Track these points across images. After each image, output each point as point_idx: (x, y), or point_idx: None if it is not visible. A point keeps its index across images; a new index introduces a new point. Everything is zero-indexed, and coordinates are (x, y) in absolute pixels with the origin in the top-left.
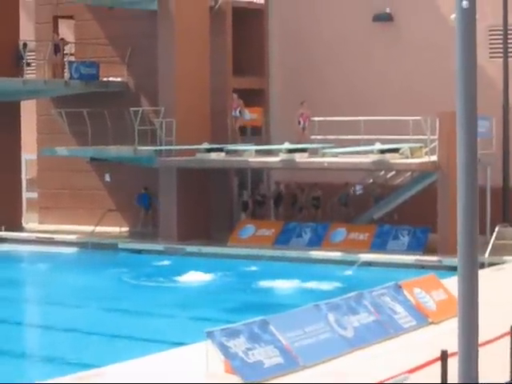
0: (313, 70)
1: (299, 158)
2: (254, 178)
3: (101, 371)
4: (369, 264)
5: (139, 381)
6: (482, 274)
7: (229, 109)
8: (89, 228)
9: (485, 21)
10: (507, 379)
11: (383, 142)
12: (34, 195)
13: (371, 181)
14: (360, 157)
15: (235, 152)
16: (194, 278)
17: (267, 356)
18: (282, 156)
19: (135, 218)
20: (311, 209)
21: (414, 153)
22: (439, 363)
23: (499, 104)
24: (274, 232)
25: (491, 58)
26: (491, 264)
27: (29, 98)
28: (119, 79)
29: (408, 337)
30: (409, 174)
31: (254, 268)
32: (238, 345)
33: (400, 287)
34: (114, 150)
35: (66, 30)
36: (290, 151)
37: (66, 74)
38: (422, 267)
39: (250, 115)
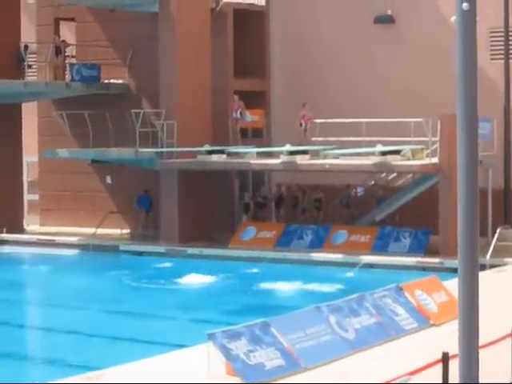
0: (314, 72)
1: (300, 160)
2: (256, 180)
3: (102, 373)
4: (370, 266)
5: (140, 382)
6: (484, 275)
7: (230, 111)
8: (90, 230)
9: (486, 23)
10: (508, 381)
11: (384, 143)
12: (36, 197)
13: (373, 183)
14: (361, 159)
15: (236, 154)
16: (195, 280)
17: (268, 358)
18: (284, 158)
19: (136, 219)
20: (313, 211)
21: (416, 155)
22: (441, 365)
23: (500, 106)
24: (276, 234)
25: (492, 59)
26: (493, 266)
27: (30, 100)
28: (120, 81)
29: (409, 339)
30: (410, 175)
31: (255, 270)
32: (240, 347)
33: (401, 289)
34: (115, 152)
35: (68, 32)
36: (292, 153)
37: (67, 76)
38: (424, 269)
39: (252, 117)
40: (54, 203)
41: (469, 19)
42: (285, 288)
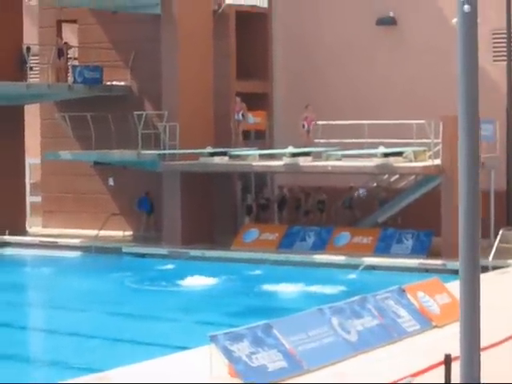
0: (316, 74)
1: (303, 161)
2: (258, 181)
3: (104, 375)
4: (372, 268)
5: None
6: (486, 277)
7: (232, 112)
8: (92, 232)
9: (488, 24)
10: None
11: (387, 145)
12: (38, 199)
13: (375, 184)
14: (364, 160)
15: (239, 156)
16: (197, 281)
17: (271, 360)
18: (286, 160)
19: (139, 222)
20: (316, 212)
21: (418, 156)
22: (443, 367)
23: (503, 107)
24: (278, 236)
25: (495, 61)
26: (495, 267)
27: (32, 102)
28: (123, 83)
29: (412, 340)
30: (412, 177)
31: (257, 272)
32: (242, 349)
33: (404, 291)
34: (117, 154)
35: (70, 34)
36: (294, 155)
37: (69, 78)
38: (426, 271)
39: (254, 119)
40: (56, 205)
41: (470, 21)
42: (287, 290)
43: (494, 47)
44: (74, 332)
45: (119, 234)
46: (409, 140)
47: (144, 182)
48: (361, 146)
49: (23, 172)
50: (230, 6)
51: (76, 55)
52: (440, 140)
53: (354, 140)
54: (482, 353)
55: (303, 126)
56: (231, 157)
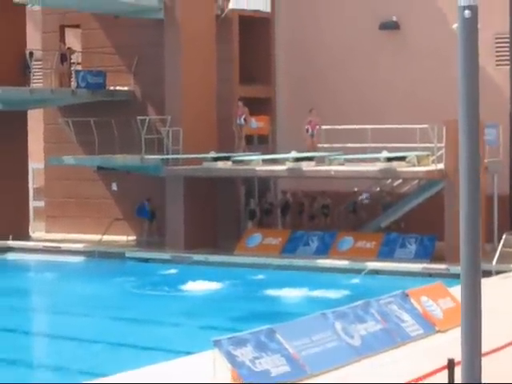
0: (319, 79)
1: (306, 166)
2: (261, 186)
3: (107, 380)
4: (376, 272)
5: None
6: (490, 281)
7: (234, 116)
8: (96, 237)
9: (491, 29)
10: None
11: (390, 150)
12: (41, 204)
13: (378, 189)
14: (367, 165)
15: (242, 161)
16: (200, 286)
17: (274, 365)
18: (289, 164)
19: (141, 227)
20: (321, 217)
21: (421, 161)
22: (446, 372)
23: (506, 112)
24: (281, 241)
25: (498, 65)
26: (498, 272)
27: (36, 107)
28: (126, 88)
29: (415, 345)
30: (416, 182)
31: (260, 276)
32: (245, 353)
33: (407, 295)
34: (120, 159)
35: (73, 39)
36: (297, 160)
37: (72, 83)
38: (430, 275)
39: (257, 124)
40: (59, 210)
41: (470, 27)
42: (290, 294)
43: (497, 52)
44: (77, 337)
45: (122, 238)
46: (412, 144)
47: (147, 186)
48: (364, 150)
49: (26, 177)
50: (233, 10)
51: (79, 60)
52: (443, 144)
53: (357, 144)
54: (483, 358)
55: (307, 131)
56: (234, 161)
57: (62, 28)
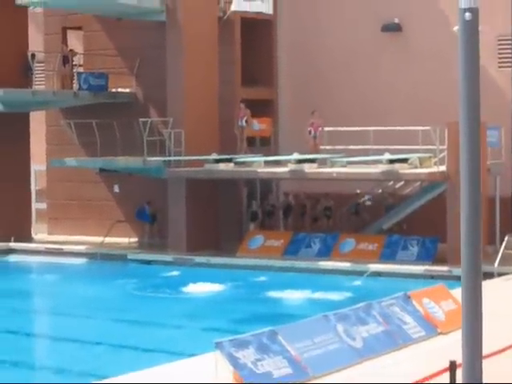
0: (321, 81)
1: (308, 168)
2: (263, 188)
3: (109, 382)
4: (378, 274)
5: None
6: (492, 283)
7: (236, 118)
8: (98, 239)
9: (494, 31)
10: None
11: (392, 152)
12: (43, 206)
13: (380, 191)
14: (369, 167)
15: (244, 163)
16: (202, 288)
17: (276, 367)
18: (291, 166)
19: (143, 229)
20: (323, 219)
21: (423, 163)
22: (448, 374)
23: (508, 113)
24: (283, 242)
25: (500, 67)
26: (501, 274)
27: (38, 108)
28: (128, 90)
29: (417, 347)
30: (418, 184)
31: (262, 278)
32: (247, 355)
33: (409, 297)
34: (122, 161)
35: (75, 41)
36: (299, 162)
37: (74, 85)
38: (432, 277)
39: (259, 125)
40: (61, 212)
41: (471, 29)
42: (292, 296)
43: (500, 54)
44: (79, 338)
45: (124, 240)
46: (414, 146)
47: (149, 188)
48: (366, 152)
49: (29, 179)
50: (235, 12)
51: (81, 62)
52: (445, 146)
53: (359, 146)
54: (484, 360)
55: (309, 132)
56: (236, 163)
57: (64, 30)
